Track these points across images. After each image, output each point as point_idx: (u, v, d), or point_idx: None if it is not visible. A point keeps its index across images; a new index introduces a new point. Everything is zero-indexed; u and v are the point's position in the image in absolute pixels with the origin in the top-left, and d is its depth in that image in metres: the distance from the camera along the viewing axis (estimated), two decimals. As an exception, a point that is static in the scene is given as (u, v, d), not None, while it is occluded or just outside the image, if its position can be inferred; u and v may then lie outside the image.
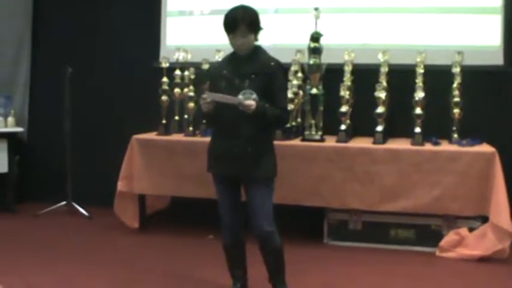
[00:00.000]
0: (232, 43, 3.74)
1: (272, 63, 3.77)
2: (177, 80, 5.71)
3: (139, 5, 6.29)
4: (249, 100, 3.61)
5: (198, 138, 5.44)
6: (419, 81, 5.24)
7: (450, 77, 5.25)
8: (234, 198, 3.84)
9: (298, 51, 5.54)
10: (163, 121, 5.65)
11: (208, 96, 3.62)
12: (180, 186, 5.37)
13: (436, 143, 5.15)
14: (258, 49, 3.81)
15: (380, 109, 5.22)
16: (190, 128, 5.56)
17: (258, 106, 3.61)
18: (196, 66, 5.62)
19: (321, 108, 5.32)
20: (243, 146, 3.68)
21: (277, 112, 3.72)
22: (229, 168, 3.73)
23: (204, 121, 5.29)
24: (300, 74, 5.49)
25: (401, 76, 5.42)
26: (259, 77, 3.69)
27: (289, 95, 5.20)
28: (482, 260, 4.77)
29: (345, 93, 5.30)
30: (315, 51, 5.26)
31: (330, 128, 5.34)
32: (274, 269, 3.86)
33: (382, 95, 5.22)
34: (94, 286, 4.24)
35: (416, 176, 4.94)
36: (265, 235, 3.73)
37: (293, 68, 5.46)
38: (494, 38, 5.53)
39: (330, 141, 5.25)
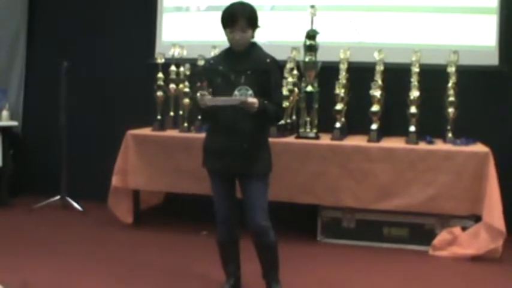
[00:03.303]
0: (229, 38, 3.73)
1: (268, 60, 3.78)
2: (173, 76, 5.72)
3: (136, 1, 6.29)
4: (250, 98, 3.61)
5: (193, 134, 5.44)
6: (414, 80, 5.25)
7: (445, 76, 5.26)
8: (230, 194, 3.85)
9: (294, 48, 5.54)
10: (158, 117, 5.65)
11: (209, 101, 3.60)
12: (175, 182, 5.37)
13: (431, 142, 5.17)
14: (254, 45, 3.81)
15: (375, 107, 5.23)
16: (185, 124, 5.56)
17: (260, 103, 3.62)
18: (192, 62, 5.61)
19: (316, 105, 5.32)
20: (240, 142, 3.68)
21: (275, 108, 3.74)
22: (226, 164, 3.73)
23: (199, 117, 5.29)
24: (295, 72, 5.49)
25: (396, 75, 5.43)
26: (255, 73, 3.69)
27: (284, 92, 5.21)
28: (475, 259, 4.78)
29: (340, 91, 5.31)
30: (311, 49, 5.27)
31: (324, 126, 5.35)
32: (268, 265, 3.87)
33: (377, 93, 5.23)
34: (88, 280, 4.23)
35: (411, 174, 4.95)
36: (261, 230, 3.74)
37: (288, 66, 5.46)
38: (490, 38, 5.54)
39: (325, 139, 5.26)
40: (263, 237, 3.77)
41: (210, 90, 3.67)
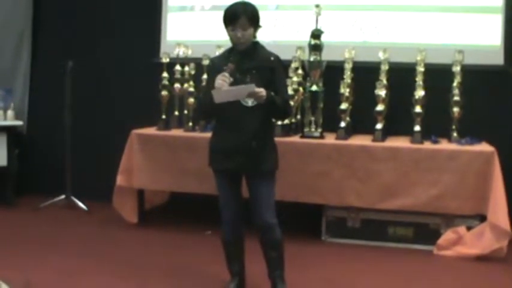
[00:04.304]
0: (231, 36, 3.74)
1: (272, 58, 3.81)
2: (177, 76, 5.72)
3: (140, 0, 6.29)
4: (256, 88, 3.59)
5: (197, 134, 5.44)
6: (419, 79, 5.25)
7: (450, 75, 5.25)
8: (236, 193, 3.86)
9: (299, 48, 5.54)
10: (163, 116, 5.66)
11: (217, 99, 3.58)
12: (180, 181, 5.37)
13: (436, 142, 5.16)
14: (257, 44, 3.83)
15: (380, 107, 5.23)
16: (190, 123, 5.56)
17: (268, 93, 3.63)
18: (197, 61, 5.62)
19: (321, 105, 5.32)
20: (248, 141, 3.69)
21: (282, 102, 3.76)
22: (234, 164, 3.74)
23: (202, 116, 5.23)
24: (300, 71, 5.49)
25: (401, 74, 5.42)
26: (260, 71, 3.71)
27: (289, 91, 5.20)
28: (479, 258, 4.77)
29: (344, 90, 5.31)
30: (316, 48, 5.27)
31: (329, 125, 5.34)
32: (273, 264, 3.86)
33: (382, 93, 5.22)
34: (93, 280, 4.24)
35: (415, 174, 4.95)
36: (268, 226, 3.76)
37: (293, 65, 5.46)
38: (495, 38, 5.53)
39: (330, 139, 5.25)
40: (270, 234, 3.78)
41: (232, 79, 3.64)
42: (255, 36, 3.79)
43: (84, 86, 6.24)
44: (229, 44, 3.85)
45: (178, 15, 6.26)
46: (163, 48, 6.12)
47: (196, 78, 5.60)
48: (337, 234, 5.23)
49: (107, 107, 6.35)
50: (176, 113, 5.74)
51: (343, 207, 5.16)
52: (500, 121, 5.50)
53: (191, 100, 5.60)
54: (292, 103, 5.28)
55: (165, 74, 5.71)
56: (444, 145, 5.12)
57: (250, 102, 3.69)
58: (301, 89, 5.45)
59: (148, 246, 5.07)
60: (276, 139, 4.01)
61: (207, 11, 6.11)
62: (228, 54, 3.85)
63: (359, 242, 5.16)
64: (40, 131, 6.64)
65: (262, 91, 3.60)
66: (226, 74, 3.62)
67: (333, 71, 5.41)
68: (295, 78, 5.43)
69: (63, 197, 6.10)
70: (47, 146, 6.57)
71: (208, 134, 4.04)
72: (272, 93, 3.67)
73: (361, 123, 5.50)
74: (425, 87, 5.22)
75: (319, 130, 5.30)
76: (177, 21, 6.25)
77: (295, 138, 5.30)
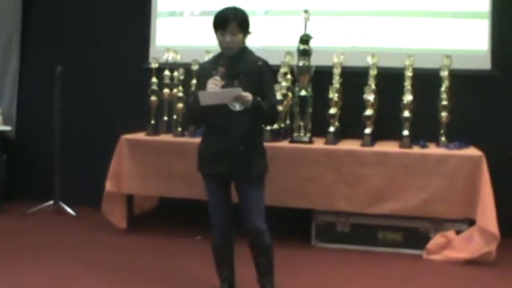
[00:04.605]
0: (220, 41, 3.75)
1: (260, 63, 3.82)
2: (166, 81, 5.72)
3: (130, 5, 6.28)
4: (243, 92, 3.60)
5: (186, 139, 5.44)
6: (407, 84, 5.26)
7: (438, 80, 5.28)
8: (226, 198, 3.86)
9: (288, 53, 5.55)
10: (152, 121, 5.65)
11: (203, 101, 3.59)
12: (169, 186, 5.36)
13: (424, 146, 5.18)
14: (245, 49, 3.84)
15: (368, 112, 5.24)
16: (179, 129, 5.56)
17: (254, 98, 3.64)
18: (186, 67, 5.62)
19: (310, 110, 5.32)
20: (236, 145, 3.70)
21: (269, 107, 3.76)
22: (223, 168, 3.74)
23: (191, 121, 5.21)
24: (289, 76, 5.50)
25: (390, 79, 5.44)
26: (248, 76, 3.72)
27: (278, 96, 5.21)
28: (468, 262, 4.79)
29: (333, 95, 5.32)
30: (304, 54, 5.28)
31: (318, 130, 5.35)
32: (263, 269, 3.87)
33: (370, 97, 5.24)
34: (82, 286, 4.23)
35: (404, 178, 4.96)
36: (258, 232, 3.76)
37: (282, 70, 5.46)
38: (482, 43, 5.56)
39: (319, 143, 5.26)
40: (259, 239, 3.78)
41: (224, 82, 3.65)
42: (244, 42, 3.80)
43: (73, 90, 6.21)
44: (218, 50, 3.86)
45: (168, 21, 6.25)
46: (152, 54, 6.11)
47: (185, 84, 5.61)
48: (327, 239, 5.23)
49: (96, 112, 6.33)
50: (165, 118, 5.73)
51: (332, 212, 5.16)
52: (488, 125, 5.53)
53: (180, 105, 5.61)
54: (281, 108, 5.29)
55: (154, 79, 5.70)
56: (433, 149, 5.14)
57: (238, 107, 3.70)
58: (290, 94, 5.46)
59: (138, 251, 5.05)
60: (265, 144, 4.02)
61: (197, 17, 6.11)
62: (217, 59, 3.86)
63: (349, 246, 5.17)
64: (29, 136, 6.60)
65: (248, 95, 3.61)
66: (218, 78, 3.63)
67: (322, 76, 5.42)
68: (284, 84, 5.43)
69: (51, 202, 6.07)
70: (35, 151, 6.55)
71: (197, 139, 4.04)
72: (259, 99, 3.68)
73: (350, 128, 5.51)
74: (414, 92, 5.23)
75: (308, 135, 5.31)
76: (166, 26, 6.25)
77: (284, 143, 5.30)
